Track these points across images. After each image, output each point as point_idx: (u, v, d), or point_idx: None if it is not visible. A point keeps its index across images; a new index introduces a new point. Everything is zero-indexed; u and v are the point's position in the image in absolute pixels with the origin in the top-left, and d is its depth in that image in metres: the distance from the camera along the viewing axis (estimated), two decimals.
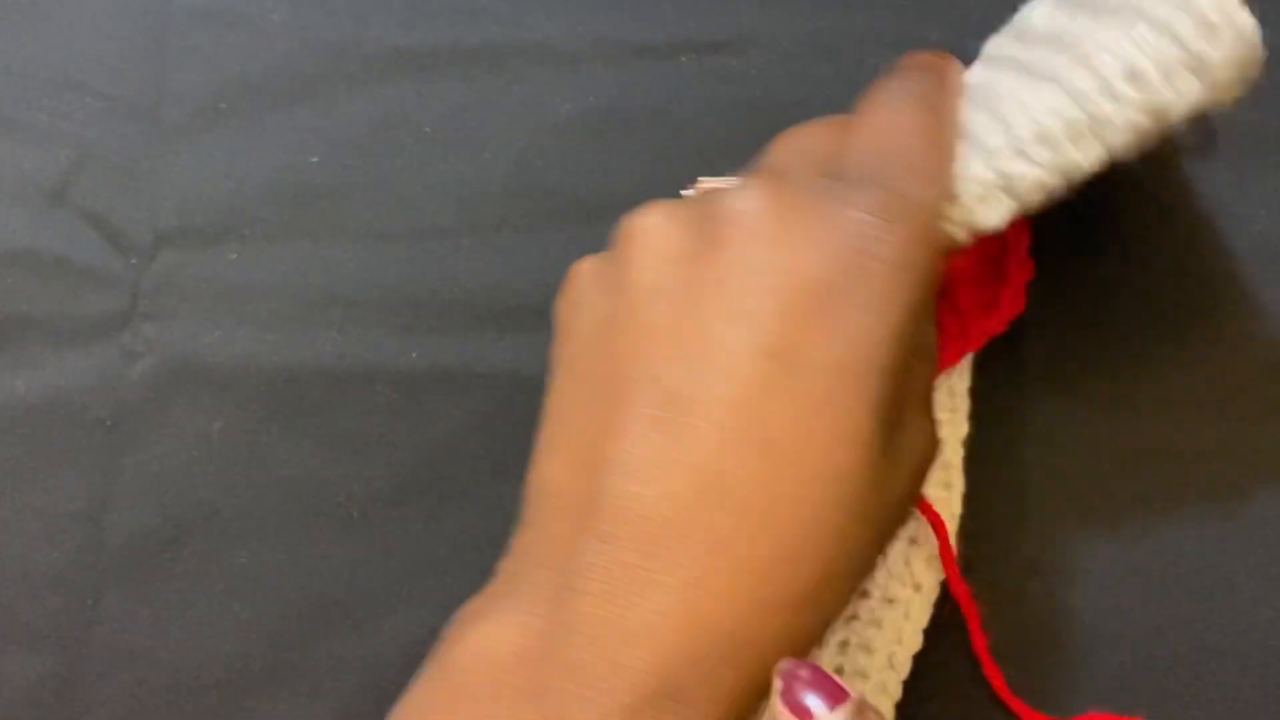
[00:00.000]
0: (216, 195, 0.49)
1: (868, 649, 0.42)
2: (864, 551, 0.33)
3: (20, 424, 0.49)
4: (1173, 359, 0.46)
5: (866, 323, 0.32)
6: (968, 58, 0.48)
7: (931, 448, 0.37)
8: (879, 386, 0.32)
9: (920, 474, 0.36)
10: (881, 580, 0.42)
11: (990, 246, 0.43)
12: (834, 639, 0.43)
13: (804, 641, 0.32)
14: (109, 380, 0.49)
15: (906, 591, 0.42)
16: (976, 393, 0.44)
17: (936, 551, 0.42)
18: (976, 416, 0.44)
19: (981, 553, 0.42)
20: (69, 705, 0.48)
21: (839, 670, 0.43)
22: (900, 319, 0.32)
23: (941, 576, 0.42)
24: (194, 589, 0.48)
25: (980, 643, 0.42)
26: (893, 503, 0.34)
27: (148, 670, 0.48)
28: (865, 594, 0.43)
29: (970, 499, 0.43)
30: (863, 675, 0.42)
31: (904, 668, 0.42)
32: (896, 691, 0.42)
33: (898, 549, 0.43)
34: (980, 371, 0.45)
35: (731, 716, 0.30)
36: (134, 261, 0.49)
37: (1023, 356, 0.46)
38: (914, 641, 0.42)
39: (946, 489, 0.43)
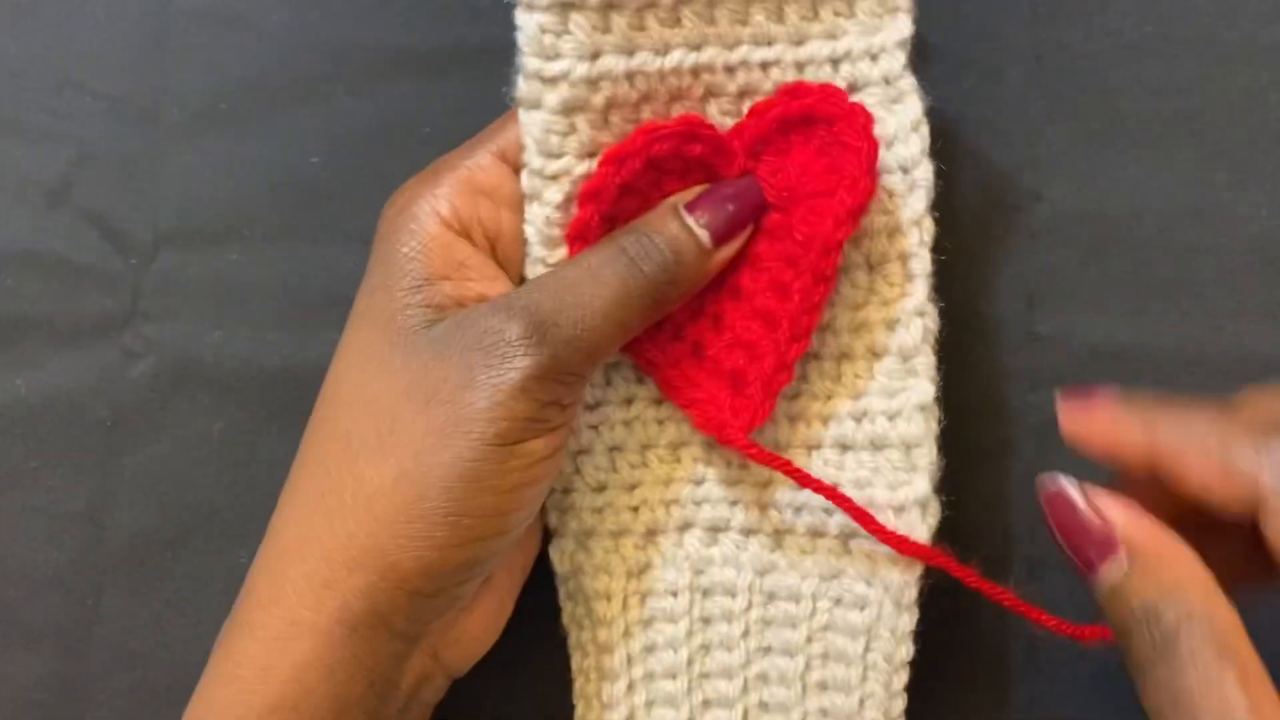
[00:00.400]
0: (216, 195, 0.49)
1: (844, 659, 0.41)
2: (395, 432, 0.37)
3: (20, 424, 0.49)
4: (1172, 358, 0.46)
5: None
6: (968, 58, 0.48)
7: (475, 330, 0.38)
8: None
9: (465, 352, 0.37)
10: (848, 584, 0.41)
11: (820, 153, 0.40)
12: (811, 648, 0.42)
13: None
14: (109, 380, 0.49)
15: (876, 594, 0.41)
16: (972, 396, 0.44)
17: (894, 545, 0.40)
18: (972, 417, 0.44)
19: (981, 554, 0.42)
20: (69, 705, 0.48)
21: (823, 685, 0.41)
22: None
23: (916, 573, 0.41)
24: (194, 589, 0.48)
25: (969, 576, 0.40)
26: (436, 381, 0.37)
27: (148, 670, 0.48)
28: (838, 600, 0.41)
29: (967, 500, 0.43)
30: (844, 689, 0.41)
31: (895, 675, 0.41)
32: (889, 702, 0.41)
33: (861, 547, 0.41)
34: (976, 373, 0.45)
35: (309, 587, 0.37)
36: (134, 261, 0.49)
37: (1021, 357, 0.46)
38: (900, 649, 0.41)
39: (910, 471, 0.41)
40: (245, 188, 0.49)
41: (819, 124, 0.40)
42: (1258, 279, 0.46)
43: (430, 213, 0.39)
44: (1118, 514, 0.35)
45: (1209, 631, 0.33)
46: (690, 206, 0.40)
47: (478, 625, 0.41)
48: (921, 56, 0.42)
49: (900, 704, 0.41)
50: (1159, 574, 0.34)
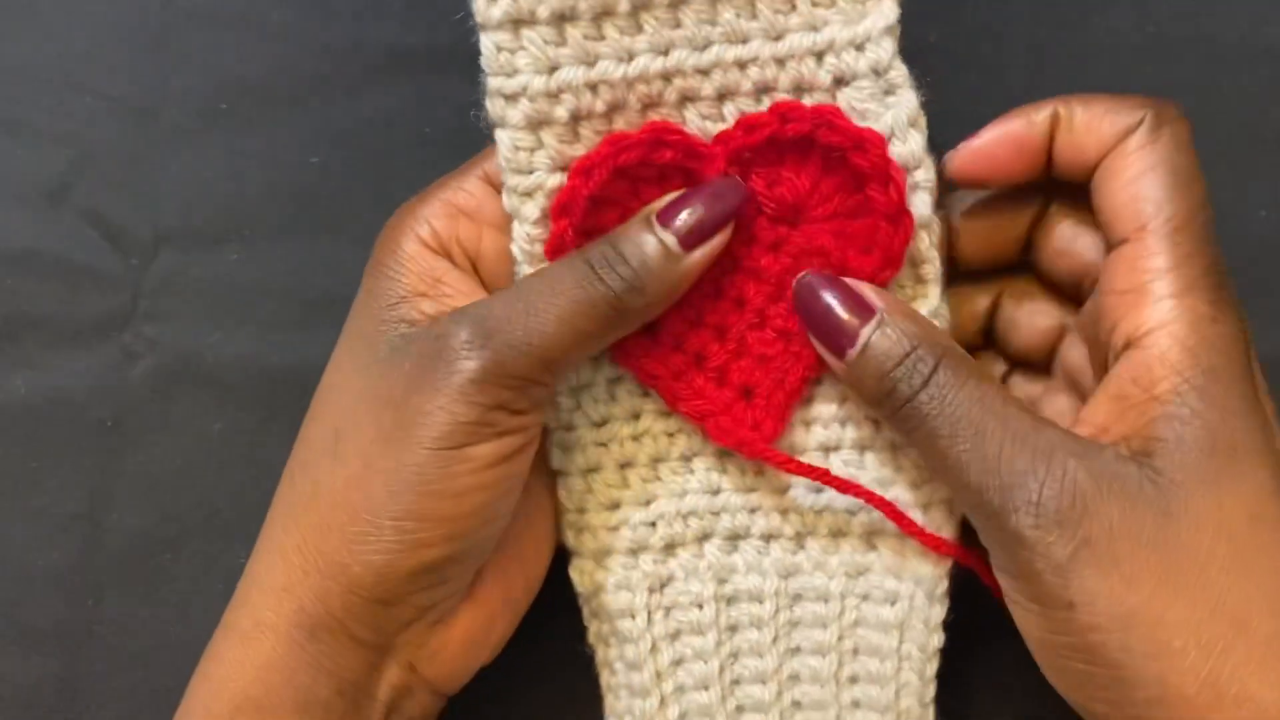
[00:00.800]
0: (216, 195, 0.49)
1: (877, 653, 0.41)
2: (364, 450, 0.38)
3: (20, 424, 0.49)
4: None
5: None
6: (968, 58, 0.48)
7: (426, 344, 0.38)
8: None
9: (417, 370, 0.38)
10: (876, 580, 0.41)
11: (847, 190, 0.40)
12: (842, 645, 0.42)
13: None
14: (109, 380, 0.49)
15: (907, 588, 0.41)
16: None
17: (929, 544, 0.40)
18: None
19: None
20: (69, 705, 0.48)
21: (854, 679, 0.42)
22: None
23: (946, 566, 0.41)
24: (194, 589, 0.48)
25: (988, 576, 0.39)
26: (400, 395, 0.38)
27: (148, 670, 0.48)
28: (866, 596, 0.42)
29: None
30: (879, 682, 0.41)
31: (929, 663, 0.41)
32: (923, 689, 0.41)
33: (887, 543, 0.41)
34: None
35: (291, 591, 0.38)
36: (134, 261, 0.49)
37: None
38: (933, 638, 0.41)
39: (914, 489, 0.41)
40: (245, 188, 0.49)
41: (818, 144, 0.39)
42: (1258, 279, 0.46)
43: (411, 234, 0.40)
44: (865, 286, 0.39)
45: (963, 359, 0.38)
46: (661, 212, 0.39)
47: (459, 641, 0.41)
48: (920, 54, 0.42)
49: (933, 689, 0.41)
50: (909, 322, 0.38)
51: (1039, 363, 0.43)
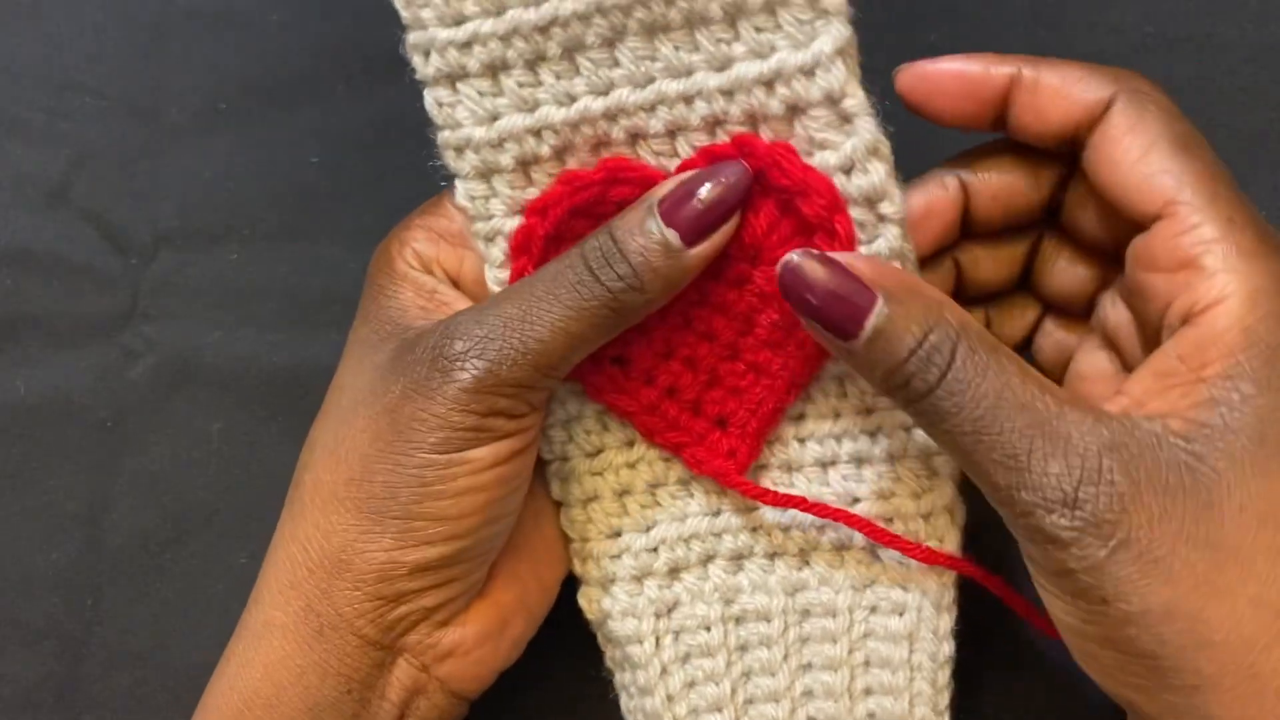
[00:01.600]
0: (216, 195, 0.49)
1: (888, 665, 0.41)
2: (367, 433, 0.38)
3: (20, 424, 0.49)
4: None
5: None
6: None
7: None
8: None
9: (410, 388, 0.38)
10: (884, 592, 0.41)
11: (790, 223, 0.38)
12: (853, 659, 0.41)
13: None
14: (109, 380, 0.49)
15: (914, 598, 0.41)
16: None
17: (921, 558, 0.40)
18: None
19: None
20: (69, 705, 0.48)
21: (868, 691, 0.41)
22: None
23: (951, 575, 0.41)
24: (194, 589, 0.48)
25: (995, 584, 0.40)
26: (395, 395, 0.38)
27: (148, 670, 0.48)
28: (874, 609, 0.41)
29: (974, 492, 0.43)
30: (892, 693, 0.41)
31: (940, 671, 0.41)
32: (936, 697, 0.41)
33: (892, 555, 0.41)
34: None
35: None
36: (134, 261, 0.49)
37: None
38: (944, 647, 0.41)
39: (932, 477, 0.40)
40: (245, 188, 0.49)
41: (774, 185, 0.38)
42: None
43: (400, 257, 0.41)
44: (862, 264, 0.35)
45: (979, 339, 0.35)
46: (663, 203, 0.37)
47: (472, 642, 0.40)
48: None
49: (946, 696, 0.41)
50: (917, 304, 0.35)
51: (1076, 310, 0.41)
